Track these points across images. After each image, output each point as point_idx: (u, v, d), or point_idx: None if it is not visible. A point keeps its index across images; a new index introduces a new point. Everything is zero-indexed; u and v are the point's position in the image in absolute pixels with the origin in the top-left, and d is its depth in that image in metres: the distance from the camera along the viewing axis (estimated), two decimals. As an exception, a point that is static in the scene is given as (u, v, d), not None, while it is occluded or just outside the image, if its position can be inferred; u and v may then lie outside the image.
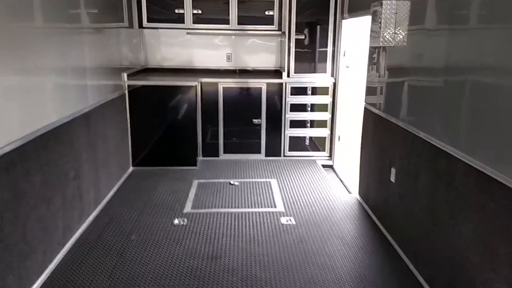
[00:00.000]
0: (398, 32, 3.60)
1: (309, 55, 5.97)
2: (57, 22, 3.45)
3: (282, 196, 4.76)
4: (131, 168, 5.61)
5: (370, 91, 4.41)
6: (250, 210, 4.39)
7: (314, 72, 5.99)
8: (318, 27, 5.89)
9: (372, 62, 4.28)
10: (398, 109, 3.63)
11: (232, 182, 5.16)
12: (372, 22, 3.95)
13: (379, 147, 4.12)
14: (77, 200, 3.75)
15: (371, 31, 3.95)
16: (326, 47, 5.88)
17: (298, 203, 4.57)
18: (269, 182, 5.23)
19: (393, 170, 3.68)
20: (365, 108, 4.51)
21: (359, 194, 4.74)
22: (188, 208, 4.41)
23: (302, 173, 5.61)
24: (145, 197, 4.67)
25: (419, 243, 3.21)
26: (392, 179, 3.69)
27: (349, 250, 3.62)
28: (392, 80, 3.84)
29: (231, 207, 4.46)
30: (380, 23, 3.66)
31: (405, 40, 3.51)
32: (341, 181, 5.59)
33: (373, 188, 4.27)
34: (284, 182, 5.22)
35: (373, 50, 4.24)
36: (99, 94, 4.37)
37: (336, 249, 3.63)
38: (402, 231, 3.53)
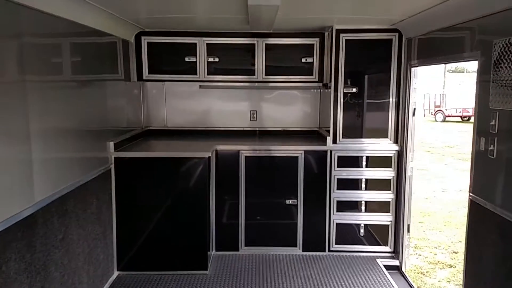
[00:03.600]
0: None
1: (363, 114, 4.41)
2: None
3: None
4: (115, 274, 3.98)
5: (487, 178, 2.75)
6: None
7: (370, 137, 4.39)
8: (375, 77, 4.37)
9: (490, 130, 2.67)
10: None
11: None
12: (495, 69, 2.41)
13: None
14: None
15: (496, 82, 2.40)
16: (387, 104, 4.32)
17: None
18: (315, 303, 3.52)
19: None
20: (475, 204, 2.84)
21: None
22: None
23: (361, 284, 3.87)
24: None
25: None
26: None
27: None
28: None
29: None
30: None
31: None
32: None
33: None
34: (337, 304, 3.50)
35: (492, 113, 2.63)
36: (59, 178, 2.85)
37: None
38: None
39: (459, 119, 25.71)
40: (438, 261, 5.44)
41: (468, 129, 20.44)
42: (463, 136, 18.41)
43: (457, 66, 39.73)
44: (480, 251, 2.81)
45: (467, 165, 11.77)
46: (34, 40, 2.60)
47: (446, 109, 26.57)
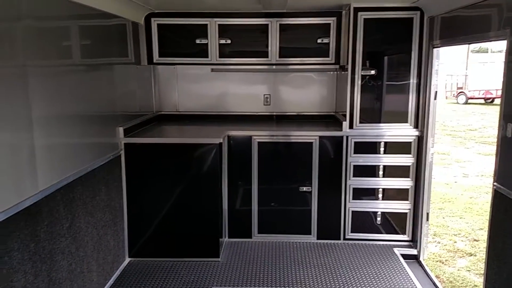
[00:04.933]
0: None
1: (381, 98, 4.22)
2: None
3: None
4: (127, 260, 3.95)
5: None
6: None
7: (389, 121, 4.20)
8: (394, 59, 4.16)
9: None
10: None
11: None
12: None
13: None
14: None
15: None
16: (407, 87, 4.11)
17: None
18: (329, 294, 3.42)
19: None
20: (499, 194, 2.67)
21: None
22: None
23: (376, 273, 3.75)
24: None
25: None
26: None
27: None
28: None
29: None
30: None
31: None
32: (439, 290, 3.69)
33: None
34: (351, 295, 3.39)
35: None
36: (65, 166, 2.79)
37: None
38: None
39: (482, 101, 24.92)
40: (458, 249, 5.27)
41: (491, 111, 19.81)
42: (486, 119, 17.85)
43: (481, 46, 38.38)
44: (503, 244, 2.65)
45: (489, 149, 11.47)
46: (38, 23, 2.50)
47: (469, 91, 25.78)
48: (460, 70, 29.50)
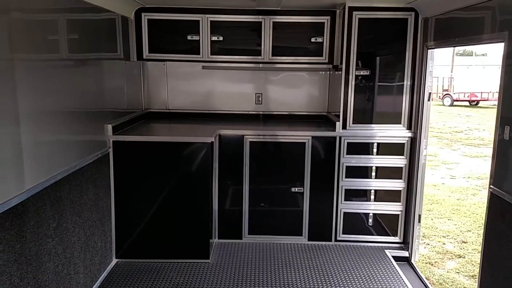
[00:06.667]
0: None
1: (374, 98, 4.19)
2: None
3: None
4: (114, 262, 3.84)
5: (511, 170, 2.55)
6: None
7: (382, 122, 4.17)
8: (388, 59, 4.13)
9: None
10: None
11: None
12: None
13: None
14: None
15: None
16: (401, 88, 4.09)
17: None
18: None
19: None
20: (496, 197, 2.65)
21: None
22: None
23: (368, 276, 3.72)
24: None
25: None
26: None
27: None
28: None
29: None
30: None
31: None
32: (431, 292, 3.67)
33: None
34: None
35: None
36: (52, 164, 2.67)
37: None
38: None
39: (467, 103, 25.30)
40: (447, 251, 5.28)
41: (476, 114, 20.09)
42: (471, 121, 18.10)
43: (466, 49, 38.91)
44: (499, 247, 2.63)
45: (475, 150, 11.61)
46: (26, 16, 2.39)
47: (454, 93, 26.14)
48: (446, 73, 29.89)
